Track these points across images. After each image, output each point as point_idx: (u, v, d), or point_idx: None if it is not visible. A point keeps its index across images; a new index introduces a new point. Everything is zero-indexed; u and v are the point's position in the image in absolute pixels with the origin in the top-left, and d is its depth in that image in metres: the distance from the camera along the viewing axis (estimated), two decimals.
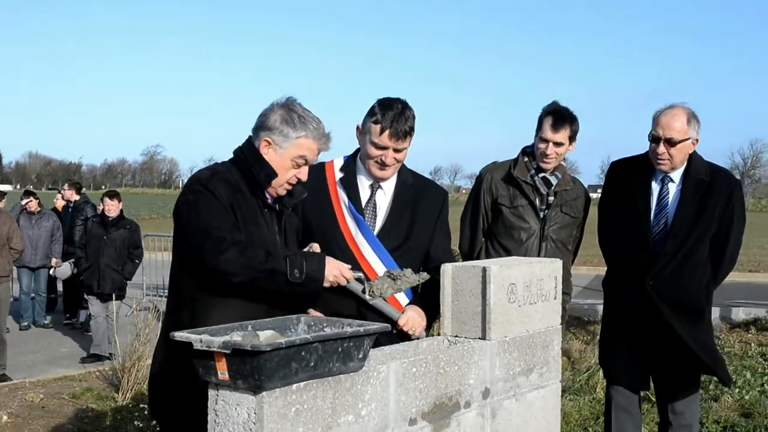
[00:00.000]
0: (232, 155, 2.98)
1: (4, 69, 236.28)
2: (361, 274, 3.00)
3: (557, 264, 3.27)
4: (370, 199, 3.38)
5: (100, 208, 9.85)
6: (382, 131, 3.24)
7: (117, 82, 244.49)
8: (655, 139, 3.96)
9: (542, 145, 4.23)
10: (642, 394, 4.33)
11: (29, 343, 10.17)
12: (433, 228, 3.46)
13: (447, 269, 2.99)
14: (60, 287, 12.03)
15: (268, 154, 2.89)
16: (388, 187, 3.41)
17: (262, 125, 2.92)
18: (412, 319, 3.24)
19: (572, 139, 4.25)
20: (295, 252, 2.92)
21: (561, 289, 3.30)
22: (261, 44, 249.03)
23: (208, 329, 2.28)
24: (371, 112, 3.29)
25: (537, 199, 4.28)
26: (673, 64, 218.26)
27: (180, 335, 2.22)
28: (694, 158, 4.02)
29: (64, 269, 10.83)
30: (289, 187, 2.96)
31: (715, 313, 10.07)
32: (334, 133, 3.02)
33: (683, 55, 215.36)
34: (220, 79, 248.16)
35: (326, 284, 2.85)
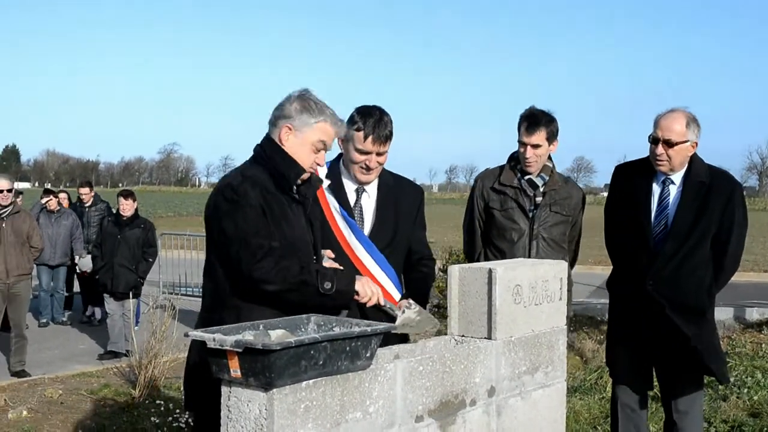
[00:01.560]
0: (252, 153, 3.07)
1: (23, 67, 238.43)
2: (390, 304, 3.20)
3: (562, 265, 3.34)
4: (356, 203, 3.59)
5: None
6: (365, 137, 3.45)
7: (134, 80, 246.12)
8: (654, 141, 4.07)
9: (521, 150, 4.43)
10: (649, 392, 4.39)
11: (48, 340, 10.29)
12: (413, 224, 3.70)
13: (454, 271, 3.06)
14: (76, 285, 12.15)
15: (289, 140, 3.00)
16: (372, 190, 3.63)
17: (280, 115, 3.03)
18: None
19: (551, 139, 4.41)
20: (327, 267, 3.04)
21: (566, 290, 3.37)
22: (278, 42, 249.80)
23: (221, 328, 2.36)
24: (351, 121, 3.48)
25: (525, 201, 4.44)
26: (692, 65, 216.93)
27: (194, 334, 2.30)
28: (694, 161, 4.11)
29: (86, 260, 10.90)
30: (312, 171, 3.07)
31: (729, 313, 10.04)
32: None
33: (703, 56, 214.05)
34: (237, 77, 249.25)
35: (363, 300, 3.01)
